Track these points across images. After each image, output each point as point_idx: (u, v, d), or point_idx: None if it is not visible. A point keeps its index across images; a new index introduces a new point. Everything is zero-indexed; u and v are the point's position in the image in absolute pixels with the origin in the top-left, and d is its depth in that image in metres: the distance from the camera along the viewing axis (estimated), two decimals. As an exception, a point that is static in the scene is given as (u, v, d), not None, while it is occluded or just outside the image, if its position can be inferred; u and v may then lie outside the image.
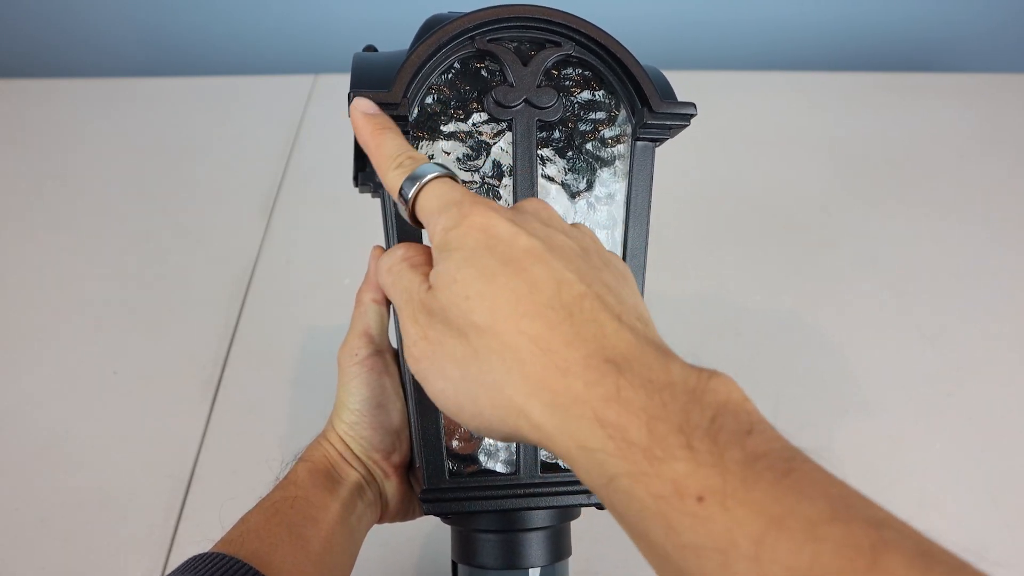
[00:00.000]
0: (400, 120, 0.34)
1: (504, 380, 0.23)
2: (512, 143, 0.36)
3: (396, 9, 1.00)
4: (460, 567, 0.38)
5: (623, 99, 0.37)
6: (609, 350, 0.23)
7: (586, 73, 0.37)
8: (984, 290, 0.72)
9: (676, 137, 0.43)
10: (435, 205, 0.27)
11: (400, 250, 0.29)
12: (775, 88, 0.95)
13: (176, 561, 0.53)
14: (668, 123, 0.36)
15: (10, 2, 1.00)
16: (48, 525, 0.55)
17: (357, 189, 0.44)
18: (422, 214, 0.28)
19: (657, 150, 0.44)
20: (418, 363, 0.26)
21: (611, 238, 0.38)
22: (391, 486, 0.41)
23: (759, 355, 0.66)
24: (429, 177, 0.28)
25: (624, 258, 0.38)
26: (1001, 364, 0.66)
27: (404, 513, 0.43)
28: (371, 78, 0.36)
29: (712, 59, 1.05)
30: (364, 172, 0.43)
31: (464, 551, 0.38)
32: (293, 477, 0.39)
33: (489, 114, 0.36)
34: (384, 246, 0.41)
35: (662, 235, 0.75)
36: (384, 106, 0.33)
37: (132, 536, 0.55)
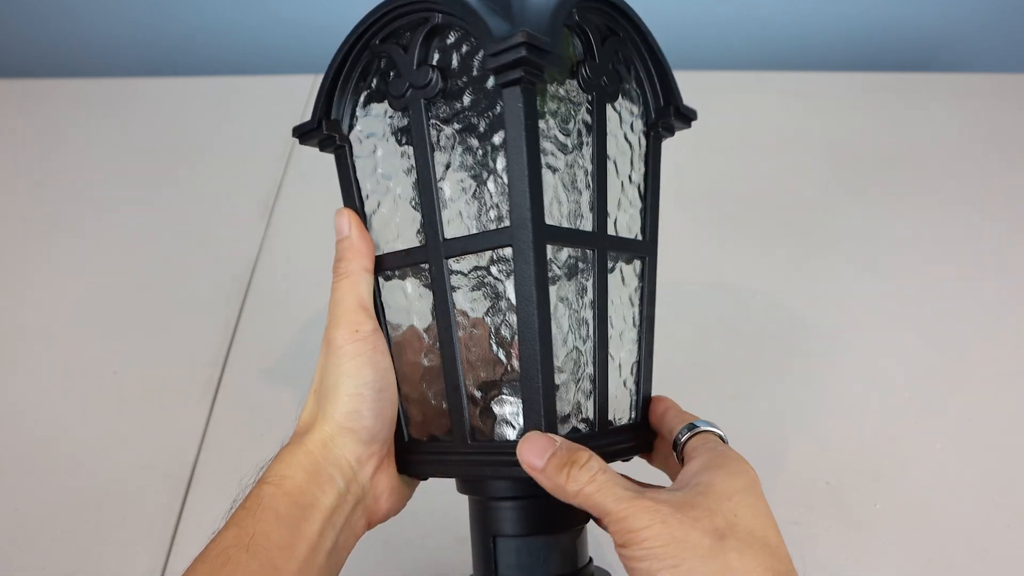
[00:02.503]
0: (329, 139, 0.39)
1: (745, 559, 0.30)
2: (410, 130, 0.37)
3: (396, 9, 1.00)
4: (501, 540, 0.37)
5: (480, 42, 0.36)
6: None
7: (460, 32, 0.37)
8: (984, 290, 0.72)
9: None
10: (716, 442, 0.37)
11: (596, 463, 0.33)
12: (775, 88, 0.95)
13: (176, 561, 0.53)
14: (505, 62, 0.33)
15: (10, 2, 1.00)
16: (48, 525, 0.55)
17: (297, 139, 0.42)
18: (698, 440, 0.37)
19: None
20: (653, 541, 0.30)
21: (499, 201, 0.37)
22: (382, 481, 0.38)
23: (759, 355, 0.66)
24: (715, 430, 0.38)
25: (510, 215, 0.35)
26: (1001, 364, 0.66)
27: (397, 504, 0.40)
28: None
29: (712, 59, 1.05)
30: (330, 120, 0.41)
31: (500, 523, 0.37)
32: (252, 505, 0.34)
33: (393, 108, 0.38)
34: (343, 202, 0.41)
35: (662, 234, 0.75)
36: (309, 132, 0.39)
37: (132, 536, 0.55)
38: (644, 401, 0.41)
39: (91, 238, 0.78)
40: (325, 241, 0.77)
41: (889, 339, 0.68)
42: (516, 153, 0.34)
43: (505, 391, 0.37)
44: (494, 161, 0.36)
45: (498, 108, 0.35)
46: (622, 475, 0.34)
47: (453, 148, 0.37)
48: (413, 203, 0.38)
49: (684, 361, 0.66)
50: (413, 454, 0.39)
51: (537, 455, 0.33)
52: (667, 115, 0.41)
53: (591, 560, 0.39)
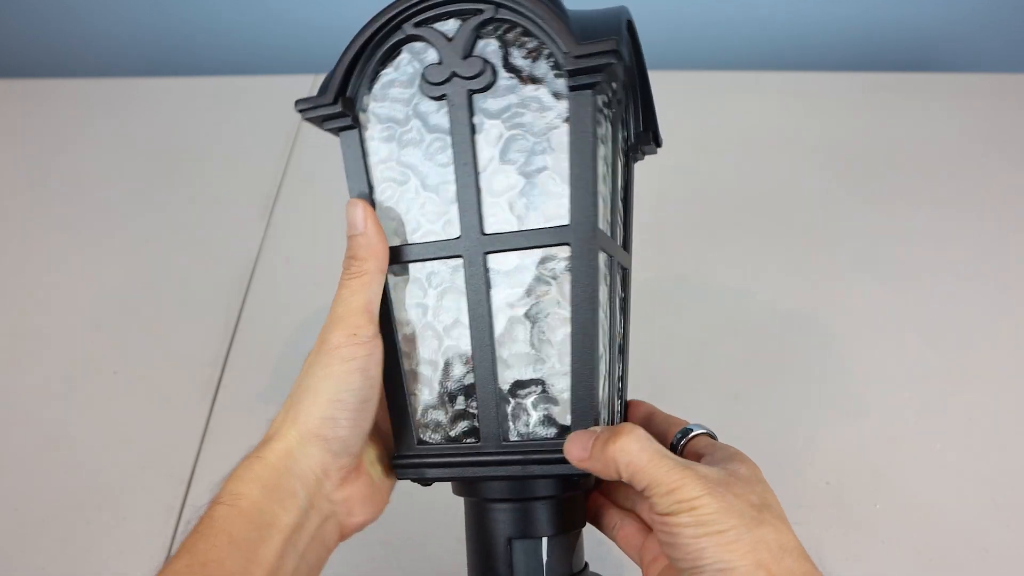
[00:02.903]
0: (341, 117, 0.37)
1: (773, 540, 0.32)
2: (448, 117, 0.36)
3: (396, 9, 1.00)
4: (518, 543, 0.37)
5: (549, 48, 0.36)
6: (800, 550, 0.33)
7: (517, 28, 0.37)
8: (984, 290, 0.72)
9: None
10: (705, 443, 0.38)
11: (641, 432, 0.34)
12: (774, 88, 0.95)
13: (176, 561, 0.53)
14: (586, 67, 0.34)
15: (10, 2, 1.00)
16: (48, 525, 0.55)
17: (300, 114, 0.40)
18: (703, 440, 0.38)
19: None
20: (706, 506, 0.32)
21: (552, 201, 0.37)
22: (350, 492, 0.36)
23: (759, 355, 0.66)
24: (706, 430, 0.39)
25: (571, 213, 0.36)
26: (1001, 364, 0.66)
27: (373, 512, 0.38)
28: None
29: (712, 59, 1.05)
30: (346, 98, 0.40)
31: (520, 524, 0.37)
32: (204, 528, 0.31)
33: (424, 93, 0.37)
34: (349, 187, 0.39)
35: (662, 234, 0.75)
36: (321, 107, 0.37)
37: (132, 536, 0.55)
38: (623, 404, 0.43)
39: (91, 238, 0.78)
40: (325, 241, 0.77)
41: (889, 339, 0.68)
42: (582, 155, 0.34)
43: (545, 390, 0.37)
44: (543, 159, 0.36)
45: (553, 108, 0.36)
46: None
47: (497, 142, 0.37)
48: (442, 193, 0.37)
49: (684, 361, 0.66)
50: (426, 457, 0.38)
51: (582, 447, 0.34)
52: (647, 140, 0.44)
53: (587, 564, 0.40)
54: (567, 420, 0.36)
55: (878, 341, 0.67)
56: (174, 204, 0.81)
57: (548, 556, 0.37)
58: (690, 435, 0.38)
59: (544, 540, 0.37)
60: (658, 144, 0.45)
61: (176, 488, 0.57)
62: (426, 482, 0.39)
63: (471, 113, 0.36)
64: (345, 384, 0.34)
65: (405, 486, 0.53)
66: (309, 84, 0.95)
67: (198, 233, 0.78)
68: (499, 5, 0.36)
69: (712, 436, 0.39)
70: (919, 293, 0.71)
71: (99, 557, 0.54)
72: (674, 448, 0.39)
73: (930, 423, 0.61)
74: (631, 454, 0.32)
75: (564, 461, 0.35)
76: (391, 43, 0.37)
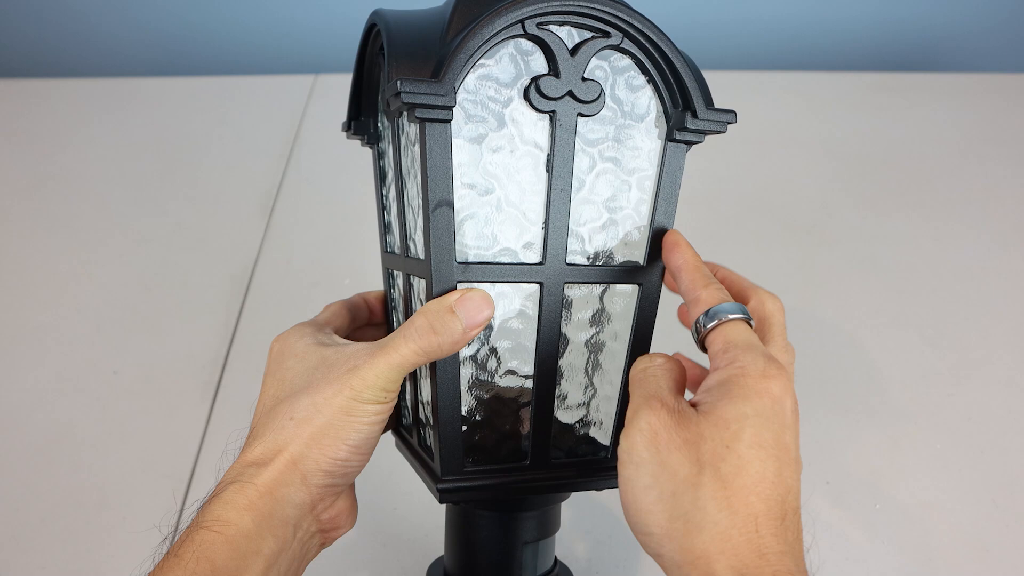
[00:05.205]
0: (446, 110, 0.32)
1: (708, 526, 0.27)
2: (551, 135, 0.34)
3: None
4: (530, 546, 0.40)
5: (664, 96, 0.36)
6: (794, 558, 0.27)
7: (630, 62, 0.36)
8: (984, 290, 0.72)
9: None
10: (742, 340, 0.32)
11: (660, 359, 0.33)
12: (775, 88, 0.95)
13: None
14: (705, 129, 0.35)
15: (10, 2, 1.01)
16: (48, 525, 0.55)
17: (345, 134, 0.41)
18: (719, 341, 0.32)
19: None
20: (637, 449, 0.29)
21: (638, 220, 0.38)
22: (339, 505, 0.36)
23: (759, 355, 0.66)
24: (742, 316, 0.33)
25: (646, 256, 0.38)
26: (1001, 364, 0.66)
27: (353, 519, 0.38)
28: (411, 48, 0.33)
29: (712, 59, 1.05)
30: (358, 121, 0.42)
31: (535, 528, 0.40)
32: (187, 554, 0.30)
33: (530, 104, 0.34)
34: (431, 185, 0.34)
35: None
36: (433, 96, 0.31)
37: (132, 536, 0.55)
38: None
39: (91, 238, 0.78)
40: (325, 241, 0.77)
41: (889, 339, 0.68)
42: (668, 202, 0.37)
43: (590, 413, 0.39)
44: (627, 197, 0.37)
45: (646, 149, 0.36)
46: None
47: (589, 172, 0.36)
48: (526, 212, 0.35)
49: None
50: (473, 480, 0.37)
51: None
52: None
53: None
54: (607, 441, 0.39)
55: (878, 341, 0.67)
56: (174, 204, 0.81)
57: (546, 552, 0.40)
58: (720, 320, 0.33)
59: (546, 540, 0.40)
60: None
61: (176, 488, 0.57)
62: (477, 499, 0.39)
63: (576, 136, 0.34)
64: (367, 433, 0.34)
65: (403, 487, 0.53)
66: (309, 84, 0.95)
67: (198, 233, 0.78)
68: (629, 36, 0.34)
69: (747, 320, 0.33)
70: (919, 292, 0.71)
71: (99, 557, 0.54)
72: (697, 330, 0.35)
73: (930, 423, 0.61)
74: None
75: (604, 477, 0.38)
76: (503, 39, 0.33)
